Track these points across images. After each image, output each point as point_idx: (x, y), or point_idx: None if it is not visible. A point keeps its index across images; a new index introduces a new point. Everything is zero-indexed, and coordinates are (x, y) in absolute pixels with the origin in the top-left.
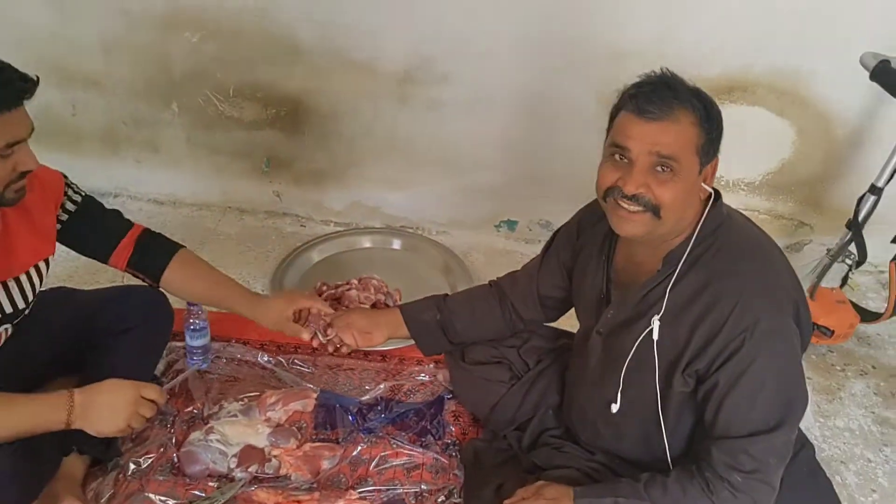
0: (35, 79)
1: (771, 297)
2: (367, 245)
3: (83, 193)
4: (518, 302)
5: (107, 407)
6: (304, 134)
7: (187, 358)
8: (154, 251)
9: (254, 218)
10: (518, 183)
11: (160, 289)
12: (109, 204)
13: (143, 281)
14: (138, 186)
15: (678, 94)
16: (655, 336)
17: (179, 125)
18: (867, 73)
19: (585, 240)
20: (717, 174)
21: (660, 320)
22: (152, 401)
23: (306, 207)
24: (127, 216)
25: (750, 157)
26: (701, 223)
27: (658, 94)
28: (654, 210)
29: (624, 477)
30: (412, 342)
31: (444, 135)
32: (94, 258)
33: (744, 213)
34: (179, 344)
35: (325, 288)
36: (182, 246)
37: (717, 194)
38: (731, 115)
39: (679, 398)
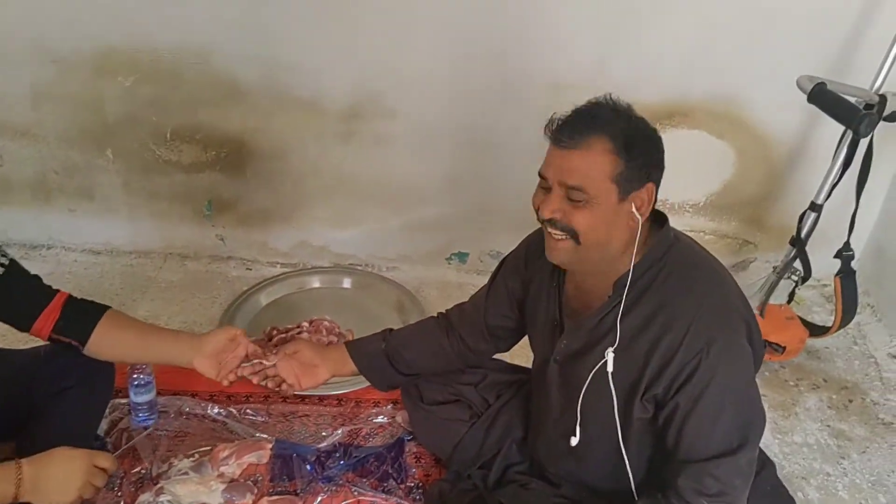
0: None
1: (723, 317)
2: (317, 285)
3: (8, 259)
4: (466, 333)
5: (57, 478)
6: (247, 175)
7: (132, 415)
8: (81, 315)
9: (197, 263)
10: (467, 215)
11: (85, 354)
12: (43, 256)
13: (70, 346)
14: (73, 237)
15: (594, 123)
16: (610, 368)
17: (115, 171)
18: (803, 96)
19: (535, 269)
20: (662, 197)
21: (614, 351)
22: (104, 469)
23: (252, 250)
24: (62, 268)
25: (693, 180)
26: (648, 249)
27: (573, 123)
28: (574, 236)
29: None
30: (362, 381)
31: (390, 170)
32: (15, 325)
33: (690, 233)
34: (123, 401)
35: (275, 332)
36: (108, 307)
37: (664, 218)
38: (673, 139)
39: (639, 425)
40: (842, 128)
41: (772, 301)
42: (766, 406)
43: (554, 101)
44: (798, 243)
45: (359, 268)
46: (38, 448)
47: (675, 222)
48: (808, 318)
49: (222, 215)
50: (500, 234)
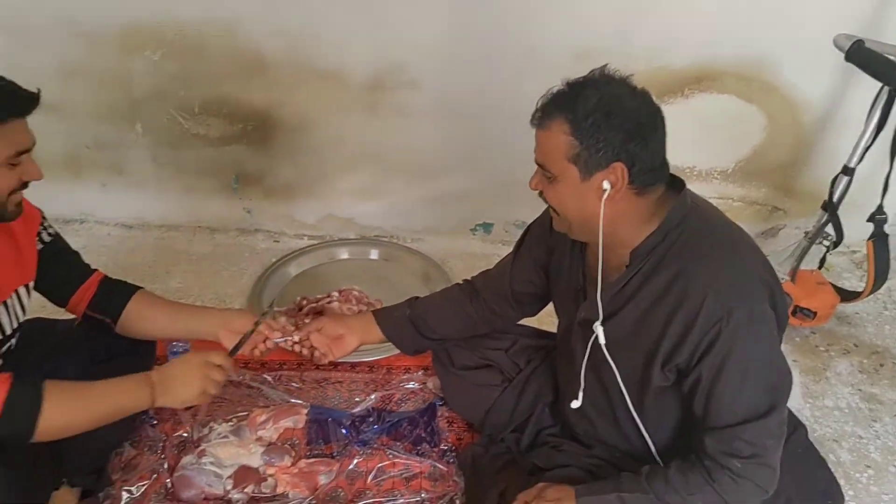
0: (37, 91)
1: (742, 284)
2: (345, 256)
3: (54, 233)
4: (491, 299)
5: (180, 378)
6: (272, 148)
7: None
8: (114, 293)
9: (225, 236)
10: (491, 186)
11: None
12: (76, 230)
13: (102, 323)
14: (105, 211)
15: (555, 105)
16: (602, 341)
17: (144, 146)
18: (835, 58)
19: (559, 236)
20: (690, 164)
21: (618, 321)
22: (219, 365)
23: (278, 222)
24: (95, 241)
25: (722, 146)
26: (664, 217)
27: (543, 104)
28: (554, 210)
29: (625, 471)
30: (392, 349)
31: (414, 141)
32: (53, 298)
33: (718, 200)
34: None
35: (305, 302)
36: (140, 287)
37: (682, 185)
38: (701, 104)
39: (658, 392)
40: (875, 90)
41: (802, 267)
42: (796, 371)
43: (578, 68)
44: (830, 207)
45: (384, 239)
46: None
47: (702, 189)
48: (838, 284)
49: (249, 188)
50: (525, 205)
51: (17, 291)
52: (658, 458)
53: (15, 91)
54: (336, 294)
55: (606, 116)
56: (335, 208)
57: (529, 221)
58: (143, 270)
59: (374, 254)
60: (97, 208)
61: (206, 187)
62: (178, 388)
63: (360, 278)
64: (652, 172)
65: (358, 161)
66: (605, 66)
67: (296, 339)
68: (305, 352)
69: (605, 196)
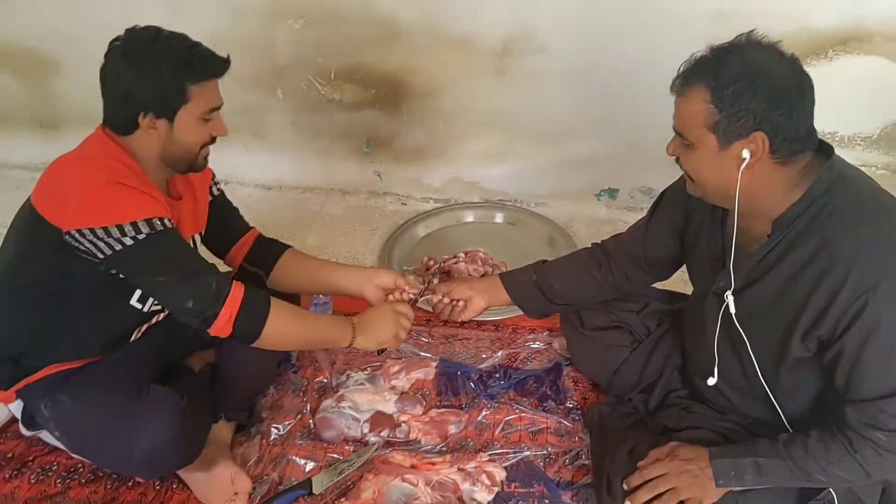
0: (227, 56)
1: (891, 254)
2: (470, 219)
3: (221, 189)
4: (623, 262)
5: (378, 322)
6: (403, 113)
7: None
8: (268, 249)
9: (356, 198)
10: (618, 151)
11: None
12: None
13: (255, 275)
14: (246, 173)
15: (696, 72)
16: (733, 310)
17: (284, 111)
18: None
19: (698, 202)
20: (831, 130)
21: (757, 291)
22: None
23: (406, 186)
24: (237, 202)
25: (866, 111)
26: (810, 185)
27: (684, 70)
28: (689, 177)
29: (759, 437)
30: (515, 309)
31: (541, 106)
32: (214, 250)
33: (860, 168)
34: None
35: (432, 262)
36: (290, 246)
37: (830, 151)
38: (844, 67)
39: (796, 363)
40: None
41: None
42: None
43: (716, 30)
44: None
45: (509, 203)
46: (237, 359)
47: (843, 156)
48: None
49: (380, 152)
50: (652, 171)
51: (192, 238)
52: (790, 429)
53: (212, 55)
54: (462, 255)
55: (750, 84)
56: (461, 172)
57: (657, 188)
58: (282, 229)
59: (499, 217)
60: (239, 170)
61: (340, 151)
62: (376, 331)
63: (484, 241)
64: (796, 141)
65: (485, 125)
66: (753, 31)
67: (436, 299)
68: (446, 300)
69: (744, 166)
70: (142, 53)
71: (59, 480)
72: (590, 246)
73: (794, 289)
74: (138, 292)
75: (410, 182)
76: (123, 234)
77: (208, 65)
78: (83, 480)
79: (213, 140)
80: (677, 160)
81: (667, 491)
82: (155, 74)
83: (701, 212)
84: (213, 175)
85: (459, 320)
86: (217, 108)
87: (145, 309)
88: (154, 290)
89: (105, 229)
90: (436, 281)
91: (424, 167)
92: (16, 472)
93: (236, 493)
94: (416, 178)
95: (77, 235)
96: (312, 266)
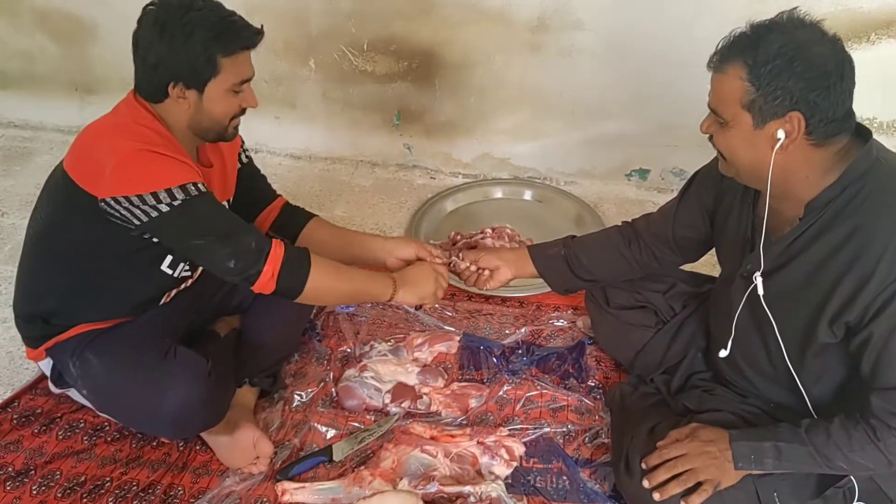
0: (261, 27)
1: None
2: (498, 196)
3: (250, 157)
4: (652, 242)
5: (417, 279)
6: (434, 86)
7: None
8: (294, 217)
9: (385, 171)
10: (650, 131)
11: None
12: None
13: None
14: (277, 142)
15: (734, 49)
16: (761, 292)
17: (315, 81)
18: None
19: (729, 183)
20: (870, 115)
21: (786, 274)
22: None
23: (435, 160)
24: (267, 170)
25: None
26: (846, 169)
27: (722, 47)
28: (723, 156)
29: (781, 421)
30: (540, 284)
31: (574, 84)
32: (242, 216)
33: None
34: None
35: (459, 237)
36: (316, 214)
37: (868, 135)
38: (889, 50)
39: (821, 348)
40: None
41: None
42: None
43: (755, 10)
44: None
45: (538, 181)
46: (262, 326)
47: (882, 143)
48: None
49: (410, 125)
50: (685, 152)
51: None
52: (814, 414)
53: (246, 26)
54: (489, 231)
55: (789, 63)
56: (491, 148)
57: (689, 169)
58: (311, 199)
59: (527, 194)
60: (270, 139)
61: (370, 123)
62: (417, 286)
63: (512, 218)
64: (833, 123)
65: (517, 101)
66: (795, 9)
67: (462, 266)
68: (473, 267)
69: (778, 146)
70: (174, 22)
71: (85, 437)
72: (620, 224)
73: (824, 273)
74: (169, 258)
75: (440, 156)
76: (159, 201)
77: (241, 37)
78: (109, 439)
79: (242, 111)
80: (710, 138)
81: (685, 472)
82: (186, 45)
83: (732, 193)
84: (243, 142)
85: (485, 289)
86: (248, 80)
87: (176, 274)
88: (195, 254)
89: (140, 197)
90: (462, 256)
91: (454, 142)
92: (44, 428)
93: (258, 457)
94: (445, 153)
95: (112, 203)
96: (337, 235)
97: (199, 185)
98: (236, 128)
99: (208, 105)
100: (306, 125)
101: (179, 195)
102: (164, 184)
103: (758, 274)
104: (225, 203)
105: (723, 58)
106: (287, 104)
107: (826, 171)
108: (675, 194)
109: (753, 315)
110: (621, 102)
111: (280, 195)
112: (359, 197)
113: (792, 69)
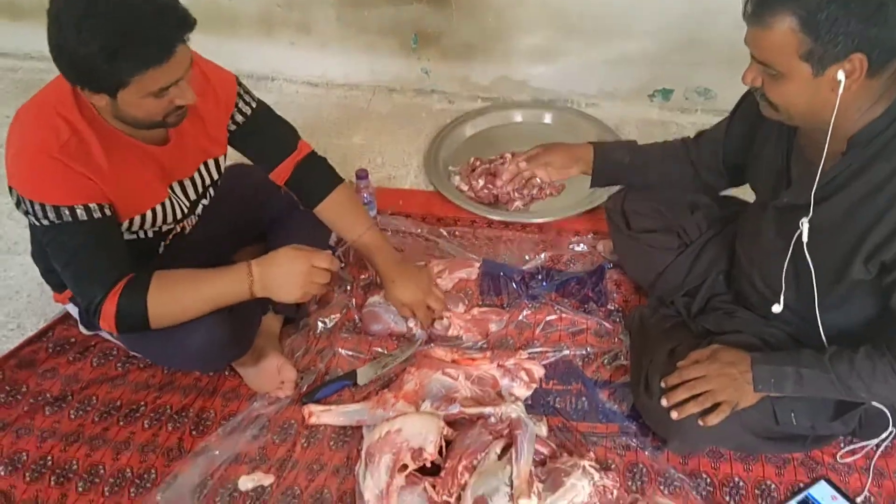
0: (193, 21)
1: None
2: (518, 120)
3: (255, 104)
4: (700, 164)
5: (281, 277)
6: (451, 6)
7: None
8: (313, 181)
9: (403, 96)
10: (674, 49)
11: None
12: (268, 87)
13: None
14: (293, 69)
15: None
16: (805, 239)
17: (330, 4)
18: None
19: None
20: None
21: (824, 210)
22: (325, 269)
23: (453, 84)
24: (285, 98)
25: None
26: (893, 102)
27: None
28: (770, 104)
29: (804, 346)
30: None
31: (596, 0)
32: (263, 166)
33: None
34: None
35: (478, 163)
36: (342, 180)
37: None
38: None
39: (853, 284)
40: None
41: None
42: None
43: None
44: None
45: (559, 103)
46: None
47: None
48: None
49: (427, 49)
50: (711, 70)
51: (202, 168)
52: (825, 343)
53: (155, 40)
54: (509, 156)
55: (844, 6)
56: (510, 70)
57: (714, 88)
58: (329, 127)
59: (547, 118)
60: (286, 66)
61: (387, 47)
62: (279, 286)
63: (533, 142)
64: (891, 51)
65: (537, 20)
66: None
67: (522, 165)
68: (527, 173)
69: (842, 89)
70: (69, 25)
71: (119, 364)
72: (681, 140)
73: (864, 211)
74: (124, 226)
75: (458, 80)
76: (45, 213)
77: (142, 55)
78: (142, 365)
79: (178, 108)
80: (755, 89)
81: (704, 392)
82: (80, 57)
83: (770, 121)
84: (242, 95)
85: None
86: (176, 82)
87: (145, 235)
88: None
89: (30, 202)
90: (482, 181)
91: (472, 64)
92: (79, 356)
93: (283, 382)
94: (463, 76)
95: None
96: (356, 226)
97: (77, 209)
98: (180, 115)
99: (126, 108)
100: (322, 51)
101: (51, 214)
102: (47, 198)
103: (805, 220)
104: (212, 161)
105: (765, 8)
106: (301, 29)
107: (874, 102)
108: (698, 115)
109: (786, 247)
110: (644, 19)
111: (301, 143)
112: (376, 124)
113: (848, 10)
